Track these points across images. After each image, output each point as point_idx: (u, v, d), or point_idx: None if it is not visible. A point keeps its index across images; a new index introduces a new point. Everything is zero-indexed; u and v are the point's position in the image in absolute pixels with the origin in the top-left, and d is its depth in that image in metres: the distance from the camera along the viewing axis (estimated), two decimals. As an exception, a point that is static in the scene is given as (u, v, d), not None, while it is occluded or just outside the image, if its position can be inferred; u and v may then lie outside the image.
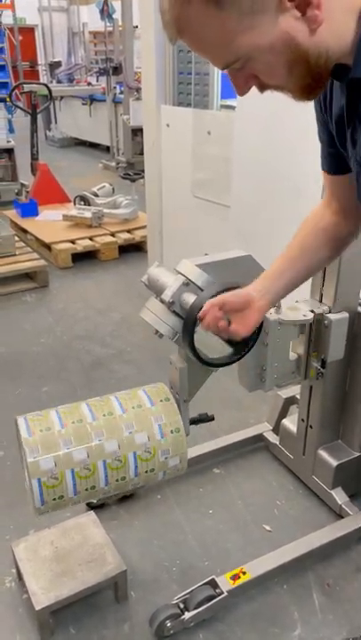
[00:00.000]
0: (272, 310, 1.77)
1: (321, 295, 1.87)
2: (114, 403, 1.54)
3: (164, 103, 3.46)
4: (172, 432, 1.53)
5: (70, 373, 3.05)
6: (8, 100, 6.04)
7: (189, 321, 1.39)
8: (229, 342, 1.47)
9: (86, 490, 1.46)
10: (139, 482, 1.56)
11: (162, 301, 1.47)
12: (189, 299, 1.42)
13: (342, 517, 2.01)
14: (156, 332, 1.50)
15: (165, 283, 1.49)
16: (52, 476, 1.40)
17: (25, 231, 5.01)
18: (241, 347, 1.48)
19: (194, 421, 1.70)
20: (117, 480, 1.50)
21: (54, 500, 1.43)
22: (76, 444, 1.43)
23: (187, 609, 1.65)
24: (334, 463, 2.03)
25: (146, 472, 1.53)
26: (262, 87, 0.88)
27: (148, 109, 3.60)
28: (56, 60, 12.78)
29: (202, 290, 1.43)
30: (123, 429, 1.48)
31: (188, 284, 1.45)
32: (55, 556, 1.74)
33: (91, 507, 2.05)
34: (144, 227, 4.40)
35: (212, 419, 1.72)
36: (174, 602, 1.67)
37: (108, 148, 8.95)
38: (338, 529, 1.95)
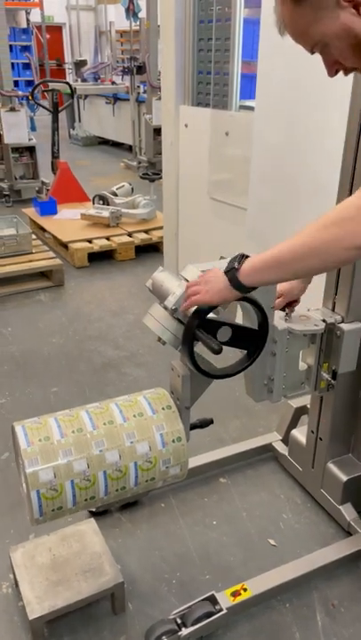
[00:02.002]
0: (282, 318, 1.71)
1: (334, 304, 1.81)
2: (114, 410, 1.50)
3: (182, 103, 3.42)
4: (173, 441, 1.49)
5: (81, 375, 3.02)
6: (30, 98, 6.05)
7: (189, 329, 1.34)
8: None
9: (85, 500, 1.43)
10: (138, 490, 1.52)
11: (165, 308, 1.43)
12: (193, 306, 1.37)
13: (351, 534, 1.94)
14: (159, 339, 1.45)
15: (169, 289, 1.44)
16: (51, 488, 1.36)
17: (43, 229, 5.02)
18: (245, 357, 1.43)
19: (194, 426, 1.65)
20: (117, 490, 1.46)
21: (53, 510, 1.39)
22: (77, 454, 1.39)
23: (184, 625, 1.60)
24: (344, 478, 1.96)
25: (146, 481, 1.49)
26: (345, 70, 1.14)
27: (166, 109, 3.56)
28: (81, 58, 12.83)
29: None
30: (124, 439, 1.45)
31: None
32: (52, 564, 1.70)
33: (93, 513, 2.01)
34: (162, 227, 4.36)
35: (211, 422, 1.69)
36: (172, 617, 1.62)
37: (130, 148, 8.95)
38: (345, 547, 1.88)
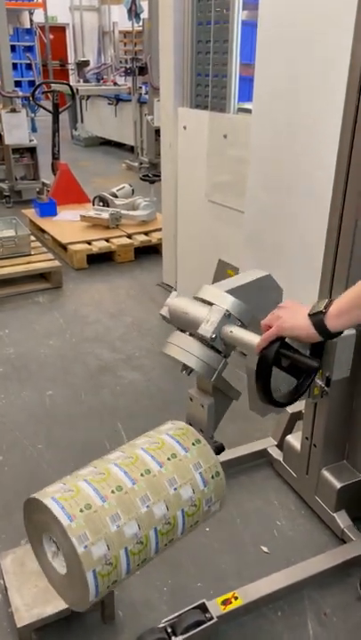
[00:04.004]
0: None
1: (328, 310, 1.79)
2: (145, 457, 1.34)
3: (181, 105, 3.40)
4: (212, 477, 1.38)
5: (76, 377, 3.01)
6: (31, 99, 6.04)
7: (265, 361, 1.22)
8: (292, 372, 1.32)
9: (137, 565, 1.28)
10: (181, 538, 1.39)
11: (201, 337, 1.32)
12: (241, 334, 1.30)
13: (345, 542, 1.92)
14: (184, 369, 1.36)
15: (199, 317, 1.33)
16: (106, 563, 1.19)
17: (43, 231, 5.01)
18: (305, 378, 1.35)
19: None
20: (165, 544, 1.32)
21: (107, 587, 1.23)
22: (125, 517, 1.22)
23: (174, 633, 1.59)
24: (338, 485, 1.94)
25: (190, 526, 1.37)
26: None
27: (165, 111, 3.55)
28: (84, 59, 12.83)
29: (240, 321, 1.33)
30: (167, 487, 1.30)
31: (229, 316, 1.32)
32: (42, 571, 1.68)
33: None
34: (161, 229, 4.35)
35: (222, 447, 1.57)
36: (162, 625, 1.61)
37: (132, 148, 8.95)
38: (339, 555, 1.86)
